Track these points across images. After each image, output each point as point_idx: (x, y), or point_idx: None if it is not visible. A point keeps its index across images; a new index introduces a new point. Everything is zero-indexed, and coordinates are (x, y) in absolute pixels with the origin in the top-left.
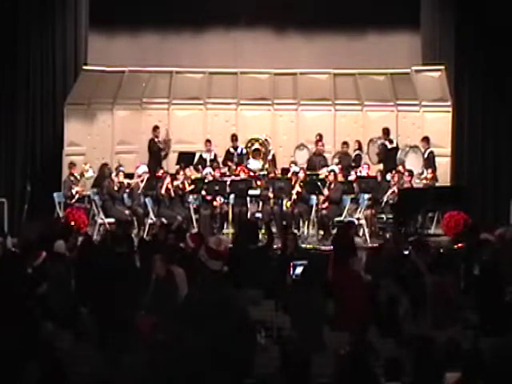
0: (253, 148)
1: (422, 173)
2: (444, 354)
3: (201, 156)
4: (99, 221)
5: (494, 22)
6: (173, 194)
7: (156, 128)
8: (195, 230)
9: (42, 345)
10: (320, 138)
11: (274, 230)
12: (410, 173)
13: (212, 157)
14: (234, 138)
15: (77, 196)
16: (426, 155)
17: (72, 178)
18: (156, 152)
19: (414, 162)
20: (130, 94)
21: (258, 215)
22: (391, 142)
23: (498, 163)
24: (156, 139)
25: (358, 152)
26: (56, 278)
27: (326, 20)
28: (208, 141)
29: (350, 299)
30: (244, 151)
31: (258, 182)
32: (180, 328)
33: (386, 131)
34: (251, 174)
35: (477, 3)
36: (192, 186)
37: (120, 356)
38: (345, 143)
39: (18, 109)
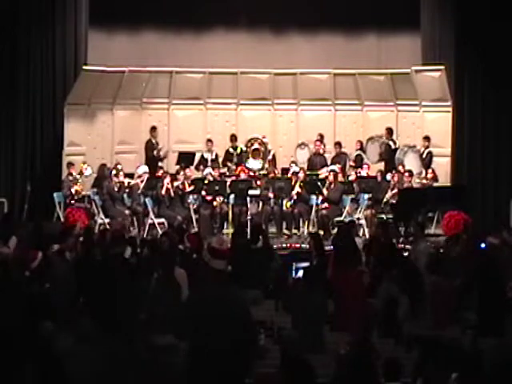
0: (252, 148)
1: (421, 173)
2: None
3: (202, 156)
4: (99, 221)
5: (494, 22)
6: (173, 194)
7: (154, 129)
8: (195, 230)
9: (42, 345)
10: (321, 138)
11: (273, 230)
12: (410, 173)
13: (213, 156)
14: (234, 138)
15: (76, 195)
16: (424, 155)
17: (71, 178)
18: (151, 156)
19: (412, 162)
20: (130, 94)
21: (253, 217)
22: (394, 142)
23: (497, 163)
24: (153, 140)
25: (358, 152)
26: (57, 277)
27: (326, 20)
28: (209, 140)
29: (350, 299)
30: (244, 148)
31: (258, 182)
32: (182, 328)
33: (390, 131)
34: (251, 173)
35: (477, 3)
36: (192, 187)
37: (120, 356)
38: (337, 143)
39: (18, 109)
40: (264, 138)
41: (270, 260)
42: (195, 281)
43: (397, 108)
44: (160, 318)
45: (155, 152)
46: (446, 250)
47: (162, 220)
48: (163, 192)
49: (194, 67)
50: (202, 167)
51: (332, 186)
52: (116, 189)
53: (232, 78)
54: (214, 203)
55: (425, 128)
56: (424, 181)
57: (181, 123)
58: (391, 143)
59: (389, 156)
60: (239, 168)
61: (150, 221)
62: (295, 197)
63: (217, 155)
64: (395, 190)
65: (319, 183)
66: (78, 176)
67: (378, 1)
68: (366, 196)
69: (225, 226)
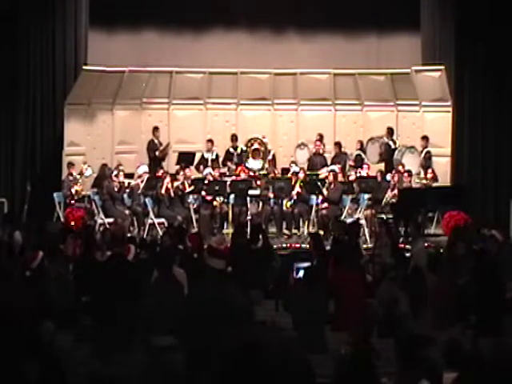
0: (252, 148)
1: (419, 173)
2: (444, 354)
3: (202, 156)
4: (99, 221)
5: (494, 22)
6: (173, 194)
7: (156, 129)
8: (195, 230)
9: (42, 345)
10: (320, 138)
11: (273, 230)
12: (409, 173)
13: (213, 156)
14: (234, 138)
15: (76, 196)
16: (422, 155)
17: (71, 178)
18: (153, 156)
19: (410, 163)
20: (130, 94)
21: (253, 217)
22: (394, 142)
23: (497, 163)
24: (155, 140)
25: (358, 152)
26: (56, 277)
27: (326, 20)
28: (210, 140)
29: (350, 299)
30: (244, 148)
31: (258, 182)
32: (182, 328)
33: (390, 131)
34: (251, 173)
35: (477, 3)
36: (192, 187)
37: (120, 357)
38: (337, 143)
39: (18, 109)
40: (264, 138)
41: (270, 260)
42: (195, 281)
43: (397, 108)
44: (160, 318)
45: (157, 152)
46: (450, 247)
47: (162, 220)
48: (163, 192)
49: (194, 67)
50: (202, 167)
51: (332, 186)
52: (116, 189)
53: (232, 78)
54: (214, 203)
55: (425, 128)
56: (424, 181)
57: (181, 123)
58: (391, 143)
59: (389, 156)
60: (239, 168)
61: (149, 221)
62: (295, 197)
63: (217, 155)
64: (395, 191)
65: (319, 183)
66: (78, 176)
67: (378, 1)
68: (366, 196)
69: (225, 226)
